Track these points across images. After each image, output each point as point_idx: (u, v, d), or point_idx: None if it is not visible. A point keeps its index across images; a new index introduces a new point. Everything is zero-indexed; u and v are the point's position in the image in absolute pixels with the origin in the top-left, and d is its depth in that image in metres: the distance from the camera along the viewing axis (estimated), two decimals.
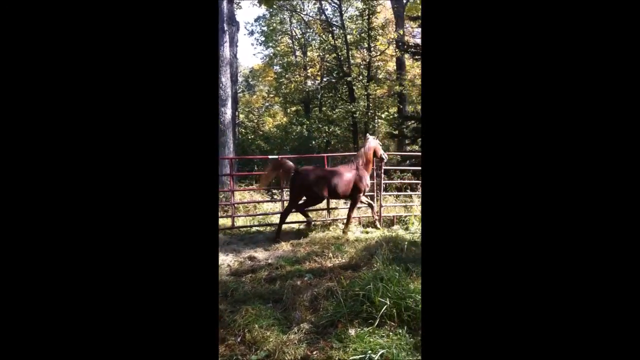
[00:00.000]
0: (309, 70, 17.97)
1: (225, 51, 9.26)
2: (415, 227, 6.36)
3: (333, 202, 7.36)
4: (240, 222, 6.87)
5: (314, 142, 15.08)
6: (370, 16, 14.60)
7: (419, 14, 14.18)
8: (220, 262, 4.78)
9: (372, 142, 6.37)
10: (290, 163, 5.93)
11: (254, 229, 6.61)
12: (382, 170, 6.93)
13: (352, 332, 2.66)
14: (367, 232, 6.19)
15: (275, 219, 6.91)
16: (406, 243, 4.65)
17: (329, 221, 6.73)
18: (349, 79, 15.05)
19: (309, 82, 18.00)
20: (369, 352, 2.34)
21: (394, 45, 14.72)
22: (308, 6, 17.92)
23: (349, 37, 15.27)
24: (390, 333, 2.64)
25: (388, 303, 2.86)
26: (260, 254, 5.09)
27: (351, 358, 2.32)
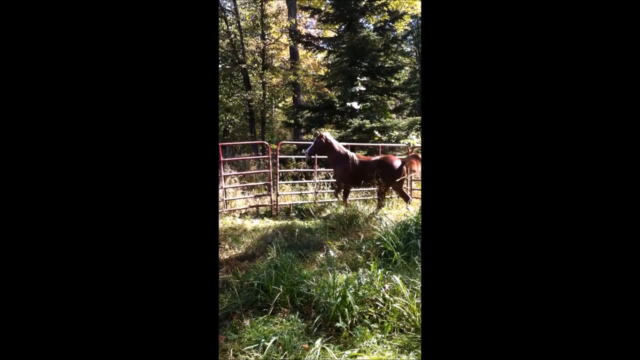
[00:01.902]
0: None
1: None
2: (311, 215, 6.61)
3: (230, 192, 7.31)
4: None
5: None
6: (263, 3, 14.50)
7: (311, 4, 14.43)
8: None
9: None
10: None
11: None
12: (278, 160, 7.04)
13: (246, 322, 2.72)
14: (264, 221, 6.27)
15: None
16: (297, 230, 4.82)
17: (225, 212, 6.67)
18: (243, 66, 14.83)
19: None
20: (263, 340, 2.43)
21: (287, 34, 14.82)
22: None
23: (242, 23, 15.00)
24: (284, 320, 2.75)
25: (281, 290, 2.98)
26: None
27: (245, 348, 2.39)
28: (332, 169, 7.11)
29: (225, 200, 6.92)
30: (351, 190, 7.38)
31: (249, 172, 8.89)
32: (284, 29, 14.93)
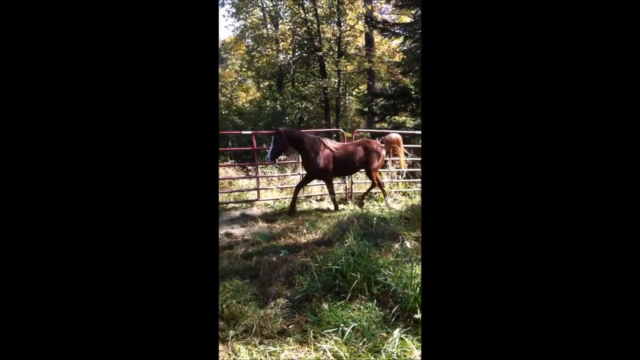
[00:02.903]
0: (280, 44, 17.70)
1: None
2: (384, 204, 6.59)
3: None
4: (222, 197, 6.92)
5: (287, 118, 15.04)
6: None
7: None
8: None
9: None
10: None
11: (229, 205, 6.68)
12: None
13: (325, 306, 2.82)
14: (339, 208, 6.37)
15: (251, 195, 6.99)
16: (375, 219, 4.85)
17: (302, 197, 6.87)
18: (320, 53, 14.95)
19: (281, 56, 17.76)
20: (342, 325, 2.51)
21: (363, 20, 14.67)
22: None
23: (319, 10, 15.08)
24: (361, 306, 2.82)
25: (359, 277, 3.04)
26: (237, 231, 5.20)
27: (325, 331, 2.49)
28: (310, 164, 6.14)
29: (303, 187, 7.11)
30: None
31: None
32: (359, 15, 14.79)
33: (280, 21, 18.25)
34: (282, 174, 8.31)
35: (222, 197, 7.06)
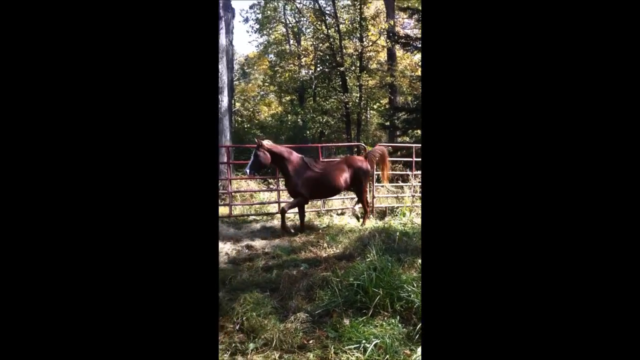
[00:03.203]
0: (302, 59, 17.91)
1: (221, 38, 9.21)
2: (407, 218, 6.49)
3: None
4: (237, 210, 6.96)
5: (308, 132, 15.12)
6: (362, 5, 14.57)
7: (409, 5, 14.19)
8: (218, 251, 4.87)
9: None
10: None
11: (251, 217, 6.70)
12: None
13: (346, 321, 2.76)
14: (360, 223, 6.31)
15: (272, 208, 6.99)
16: (398, 233, 4.77)
17: (323, 211, 6.83)
18: (341, 69, 15.04)
19: (303, 72, 17.96)
20: (364, 341, 2.45)
21: (385, 35, 14.73)
22: None
23: (341, 26, 15.22)
24: (384, 323, 2.74)
25: (381, 293, 2.97)
26: (257, 243, 5.19)
27: (346, 347, 2.43)
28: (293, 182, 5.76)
29: (323, 200, 7.08)
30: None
31: None
32: (382, 30, 14.86)
33: (303, 37, 18.51)
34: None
35: (243, 210, 7.09)
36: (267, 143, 5.60)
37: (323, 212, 6.85)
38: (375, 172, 7.03)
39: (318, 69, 17.67)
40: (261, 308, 2.99)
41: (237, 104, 19.09)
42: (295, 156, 5.76)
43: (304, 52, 17.82)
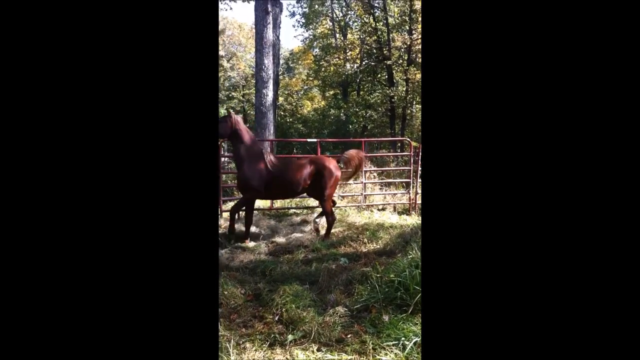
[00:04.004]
0: (348, 53, 17.80)
1: (268, 33, 9.27)
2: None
3: (369, 188, 7.41)
4: (278, 203, 7.04)
5: (350, 127, 15.05)
6: None
7: None
8: (258, 242, 4.95)
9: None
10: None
11: (291, 211, 6.76)
12: (419, 158, 6.87)
13: (385, 318, 2.72)
14: (402, 218, 6.21)
15: (312, 201, 7.02)
16: None
17: (364, 206, 6.77)
18: (388, 62, 14.82)
19: (348, 65, 17.85)
20: (403, 338, 2.40)
21: None
22: None
23: (390, 19, 14.97)
24: None
25: None
26: (297, 236, 5.22)
27: (385, 344, 2.39)
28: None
29: (364, 195, 7.03)
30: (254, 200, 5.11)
31: (389, 168, 8.89)
32: None
33: (349, 30, 18.37)
34: (343, 182, 8.27)
35: (283, 203, 7.16)
36: (237, 117, 4.93)
37: (363, 207, 6.79)
38: (419, 169, 6.88)
39: (364, 63, 17.51)
40: (300, 300, 3.00)
41: (280, 99, 19.30)
42: (254, 143, 5.00)
43: (349, 46, 17.70)
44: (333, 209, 5.38)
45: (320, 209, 5.36)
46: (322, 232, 5.26)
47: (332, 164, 5.12)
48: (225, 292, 3.20)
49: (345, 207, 6.90)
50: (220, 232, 5.34)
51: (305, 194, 5.39)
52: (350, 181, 8.30)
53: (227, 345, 2.39)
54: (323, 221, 5.38)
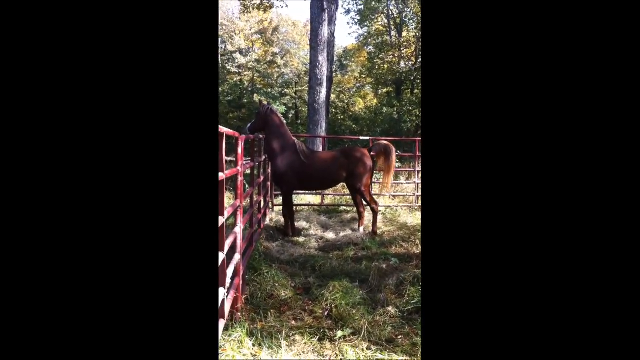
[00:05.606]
0: (403, 51, 17.53)
1: (324, 30, 9.28)
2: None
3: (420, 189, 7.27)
4: (328, 200, 7.07)
5: (403, 125, 14.82)
6: None
7: None
8: (309, 237, 4.99)
9: None
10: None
11: (341, 208, 6.76)
12: None
13: None
14: None
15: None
16: None
17: (416, 207, 6.65)
18: None
19: (403, 63, 17.58)
20: None
21: None
22: None
23: None
24: None
25: None
26: (347, 233, 5.21)
27: None
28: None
29: (416, 195, 6.90)
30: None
31: None
32: None
33: (405, 28, 18.07)
34: (396, 182, 8.15)
35: (334, 200, 7.17)
36: (269, 107, 4.98)
37: (415, 207, 6.66)
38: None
39: (419, 61, 17.18)
40: (350, 297, 2.99)
41: (333, 96, 19.33)
42: (289, 135, 4.97)
43: (405, 43, 17.43)
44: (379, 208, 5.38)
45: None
46: (370, 228, 5.24)
47: (363, 153, 5.10)
48: (277, 284, 3.25)
49: (397, 207, 6.81)
50: (271, 225, 5.44)
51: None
52: (402, 180, 8.19)
53: (279, 336, 2.42)
54: (368, 220, 5.34)
